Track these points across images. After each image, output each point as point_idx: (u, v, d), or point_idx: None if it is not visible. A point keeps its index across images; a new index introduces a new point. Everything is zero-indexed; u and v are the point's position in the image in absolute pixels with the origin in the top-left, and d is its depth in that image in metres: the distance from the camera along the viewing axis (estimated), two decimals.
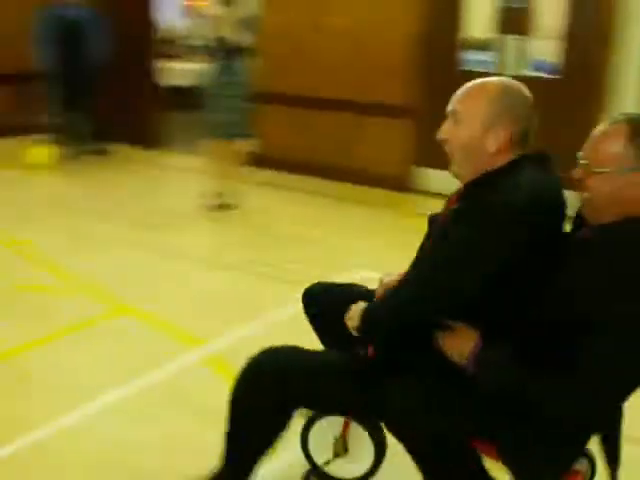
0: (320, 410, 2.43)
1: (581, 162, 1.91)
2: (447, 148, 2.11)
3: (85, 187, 7.23)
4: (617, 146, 1.83)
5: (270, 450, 2.32)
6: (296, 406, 2.26)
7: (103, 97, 8.24)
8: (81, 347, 3.74)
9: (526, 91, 2.06)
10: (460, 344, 1.98)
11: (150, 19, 8.62)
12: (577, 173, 1.92)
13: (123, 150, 8.51)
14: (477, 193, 2.03)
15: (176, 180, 7.93)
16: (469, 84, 2.08)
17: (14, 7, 8.86)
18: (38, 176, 7.38)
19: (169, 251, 5.24)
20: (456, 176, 2.13)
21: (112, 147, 8.39)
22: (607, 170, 1.84)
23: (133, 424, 3.07)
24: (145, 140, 8.69)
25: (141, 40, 8.60)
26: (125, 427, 3.05)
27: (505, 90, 2.03)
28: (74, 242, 5.39)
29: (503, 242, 1.92)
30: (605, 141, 1.85)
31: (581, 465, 2.30)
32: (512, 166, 2.02)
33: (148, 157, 8.40)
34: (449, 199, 2.17)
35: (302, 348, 2.30)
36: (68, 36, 7.87)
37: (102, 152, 8.35)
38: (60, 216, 6.02)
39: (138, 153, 8.52)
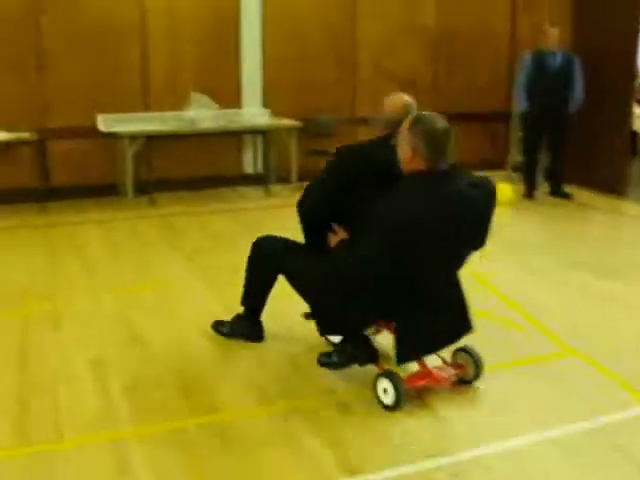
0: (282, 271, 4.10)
1: None
2: None
3: (542, 227, 7.43)
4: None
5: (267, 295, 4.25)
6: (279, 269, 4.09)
7: (574, 141, 8.37)
8: (527, 379, 3.93)
9: None
10: (335, 238, 3.73)
11: (633, 65, 8.52)
12: None
13: (582, 194, 8.53)
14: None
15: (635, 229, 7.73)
16: None
17: (490, 54, 9.59)
18: (499, 211, 7.74)
19: (630, 302, 5.12)
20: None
21: (572, 189, 8.48)
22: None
23: (568, 464, 3.17)
24: (609, 186, 8.55)
25: (621, 85, 8.51)
26: (560, 464, 3.16)
27: None
28: (528, 278, 5.60)
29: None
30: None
31: (463, 359, 3.77)
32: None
33: (609, 203, 8.27)
34: None
35: (283, 238, 4.22)
36: (549, 81, 8.16)
37: (565, 195, 8.46)
38: (516, 253, 6.25)
39: (598, 198, 8.44)
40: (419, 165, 3.36)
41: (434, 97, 9.46)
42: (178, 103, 8.22)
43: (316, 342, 4.19)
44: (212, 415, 3.58)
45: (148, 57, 8.55)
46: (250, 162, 9.22)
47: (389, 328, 3.73)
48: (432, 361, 3.75)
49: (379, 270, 3.37)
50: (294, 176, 8.62)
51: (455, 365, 3.78)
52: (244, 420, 3.55)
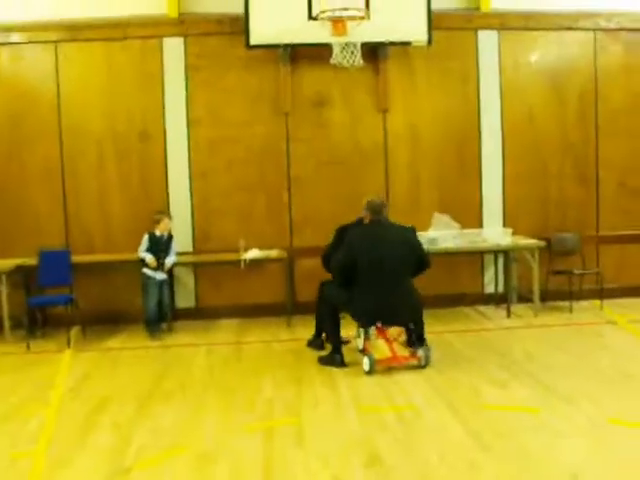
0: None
1: None
2: None
3: None
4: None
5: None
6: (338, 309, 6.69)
7: None
8: None
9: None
10: None
11: None
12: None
13: None
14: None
15: None
16: None
17: None
18: None
19: None
20: None
21: None
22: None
23: None
24: None
25: None
26: None
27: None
28: None
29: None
30: None
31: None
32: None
33: None
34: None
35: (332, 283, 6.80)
36: None
37: None
38: None
39: None
40: (367, 219, 6.56)
41: None
42: (421, 223, 8.33)
43: None
44: None
45: (391, 177, 8.85)
46: (492, 281, 9.09)
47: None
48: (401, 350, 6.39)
49: (345, 264, 6.36)
50: (536, 296, 8.35)
51: (415, 356, 6.38)
52: None
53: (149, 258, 7.92)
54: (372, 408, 5.33)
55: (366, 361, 6.28)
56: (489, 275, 9.14)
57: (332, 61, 7.99)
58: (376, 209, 6.51)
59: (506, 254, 8.75)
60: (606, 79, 9.16)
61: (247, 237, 8.56)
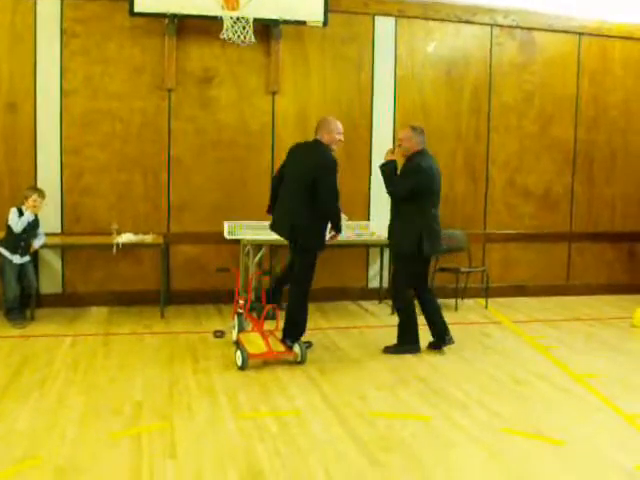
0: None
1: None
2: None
3: None
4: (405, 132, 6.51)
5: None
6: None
7: None
8: None
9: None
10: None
11: None
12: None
13: None
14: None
15: None
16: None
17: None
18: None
19: None
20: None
21: None
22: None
23: None
24: None
25: None
26: None
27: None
28: None
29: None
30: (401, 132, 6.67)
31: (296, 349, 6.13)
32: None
33: None
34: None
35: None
36: None
37: None
38: None
39: None
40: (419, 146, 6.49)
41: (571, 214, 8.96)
42: None
43: None
44: None
45: (277, 162, 8.41)
46: (376, 276, 8.84)
47: None
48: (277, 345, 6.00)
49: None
50: None
51: (291, 352, 6.07)
52: None
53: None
54: (251, 414, 4.89)
55: (239, 355, 5.90)
56: (374, 269, 8.89)
57: (221, 36, 7.50)
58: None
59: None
60: (500, 75, 9.08)
61: (121, 220, 7.97)
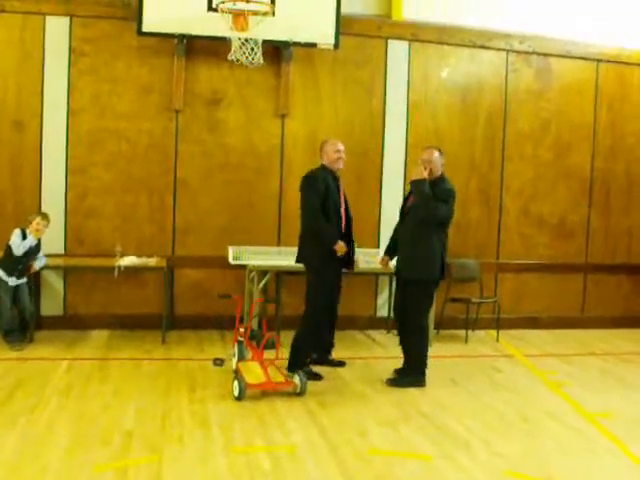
0: None
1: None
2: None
3: None
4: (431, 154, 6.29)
5: None
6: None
7: None
8: None
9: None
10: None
11: None
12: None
13: None
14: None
15: None
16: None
17: None
18: None
19: None
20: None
21: None
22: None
23: None
24: None
25: None
26: None
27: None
28: None
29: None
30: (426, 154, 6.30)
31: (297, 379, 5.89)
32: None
33: None
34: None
35: None
36: None
37: None
38: None
39: None
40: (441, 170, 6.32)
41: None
42: None
43: None
44: None
45: (286, 186, 8.26)
46: (385, 305, 8.62)
47: None
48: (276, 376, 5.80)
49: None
50: (431, 323, 7.84)
51: (290, 382, 5.82)
52: None
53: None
54: (244, 449, 4.68)
55: (236, 385, 5.69)
56: (382, 298, 8.67)
57: (230, 57, 7.35)
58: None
59: None
60: (515, 102, 8.90)
61: (125, 242, 7.82)
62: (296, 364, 6.11)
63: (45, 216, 7.20)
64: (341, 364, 6.79)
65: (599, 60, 9.07)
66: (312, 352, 6.41)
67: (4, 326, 7.09)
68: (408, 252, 6.26)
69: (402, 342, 6.42)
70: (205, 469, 4.31)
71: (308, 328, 6.21)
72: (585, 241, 9.20)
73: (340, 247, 6.11)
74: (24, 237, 7.03)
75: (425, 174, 6.11)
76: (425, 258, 6.15)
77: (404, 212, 6.43)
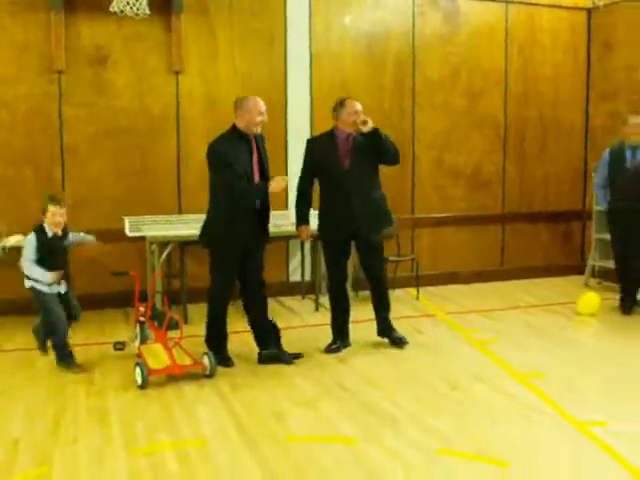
0: None
1: None
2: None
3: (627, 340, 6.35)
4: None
5: None
6: None
7: None
8: None
9: None
10: None
11: None
12: None
13: None
14: None
15: None
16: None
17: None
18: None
19: None
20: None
21: None
22: None
23: None
24: None
25: None
26: None
27: None
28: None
29: None
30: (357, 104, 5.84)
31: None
32: None
33: None
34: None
35: None
36: (631, 178, 7.10)
37: None
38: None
39: None
40: None
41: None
42: None
43: None
44: None
45: (184, 149, 7.65)
46: (298, 269, 8.15)
47: None
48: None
49: None
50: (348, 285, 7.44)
51: (198, 364, 5.31)
52: None
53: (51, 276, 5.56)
54: (147, 449, 4.15)
55: (138, 372, 5.16)
56: (295, 262, 8.20)
57: (112, 8, 6.65)
58: None
59: (314, 239, 7.74)
60: (424, 48, 8.45)
61: (9, 219, 7.05)
62: (211, 337, 5.72)
63: (54, 199, 5.69)
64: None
65: (508, 1, 8.70)
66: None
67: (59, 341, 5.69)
68: (369, 208, 5.87)
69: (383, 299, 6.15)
70: (101, 473, 3.78)
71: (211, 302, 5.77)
72: (502, 191, 8.93)
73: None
74: (42, 236, 5.60)
75: (370, 122, 5.73)
76: (387, 211, 6.08)
77: (335, 168, 5.87)
